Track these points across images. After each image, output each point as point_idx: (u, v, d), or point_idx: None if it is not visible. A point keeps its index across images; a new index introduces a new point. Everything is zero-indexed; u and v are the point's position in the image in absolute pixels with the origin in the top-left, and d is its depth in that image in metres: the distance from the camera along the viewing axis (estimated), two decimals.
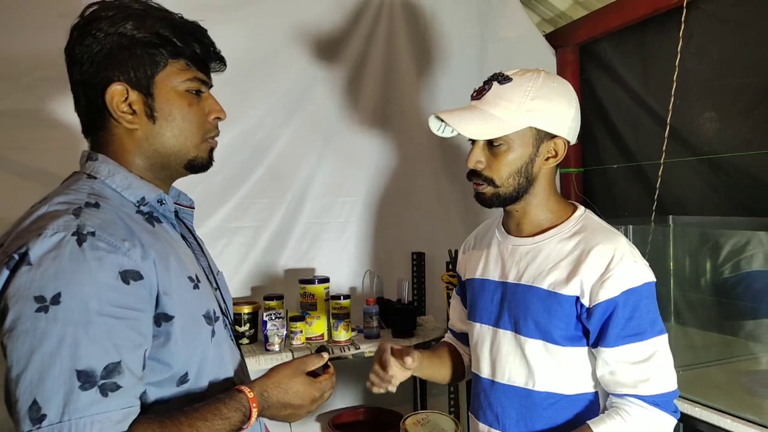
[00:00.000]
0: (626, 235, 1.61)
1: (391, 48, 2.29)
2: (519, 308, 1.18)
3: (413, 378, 2.35)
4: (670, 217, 2.02)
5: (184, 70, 0.92)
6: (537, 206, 1.20)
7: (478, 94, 1.18)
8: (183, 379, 0.88)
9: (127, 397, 0.77)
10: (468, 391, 1.41)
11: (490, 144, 1.15)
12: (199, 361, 0.90)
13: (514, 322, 1.19)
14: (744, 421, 1.33)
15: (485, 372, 1.25)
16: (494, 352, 1.23)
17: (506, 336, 1.20)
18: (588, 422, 1.11)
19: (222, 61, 0.99)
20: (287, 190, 2.21)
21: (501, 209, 1.26)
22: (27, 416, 0.72)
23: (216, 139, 1.00)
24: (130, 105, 0.89)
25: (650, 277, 1.12)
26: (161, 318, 0.84)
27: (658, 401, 1.08)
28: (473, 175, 1.18)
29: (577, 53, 2.54)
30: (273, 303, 1.99)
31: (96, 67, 0.88)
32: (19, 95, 1.78)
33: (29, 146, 1.79)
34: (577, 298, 1.11)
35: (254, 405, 0.89)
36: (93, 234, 0.78)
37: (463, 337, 1.42)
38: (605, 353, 1.10)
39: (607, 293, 1.08)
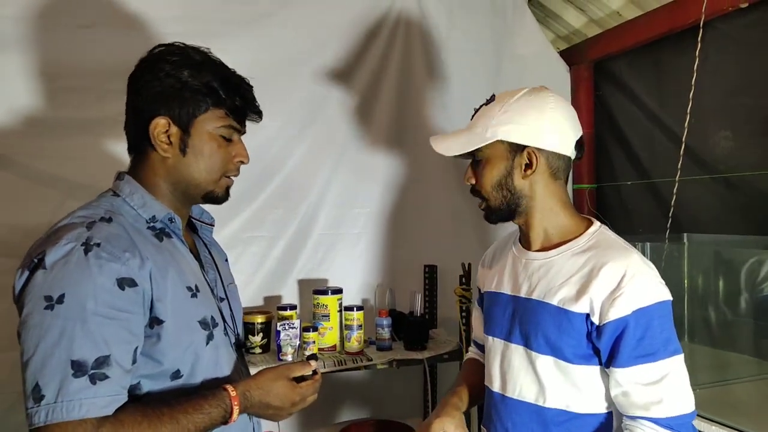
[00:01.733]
0: (643, 252, 1.61)
1: (406, 64, 2.31)
2: (530, 323, 1.18)
3: (423, 389, 2.35)
4: (685, 234, 2.02)
5: (222, 117, 1.07)
6: (541, 220, 1.21)
7: (472, 117, 1.27)
8: (176, 375, 1.01)
9: (113, 386, 0.90)
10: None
11: (476, 160, 1.23)
12: (192, 360, 1.03)
13: (524, 337, 1.19)
14: None
15: (496, 386, 1.25)
16: (505, 366, 1.23)
17: (517, 351, 1.20)
18: None
19: (259, 114, 1.15)
20: (301, 202, 2.22)
21: None
22: (30, 395, 0.87)
23: (233, 178, 1.15)
24: (168, 136, 1.04)
25: (665, 295, 1.09)
26: (153, 321, 0.97)
27: (672, 424, 1.05)
28: (472, 193, 1.27)
29: (592, 70, 2.55)
30: (287, 313, 1.99)
31: (149, 101, 1.04)
32: (38, 103, 1.80)
33: (48, 154, 1.81)
34: (587, 315, 1.10)
35: (236, 403, 0.99)
36: (98, 245, 0.92)
37: (481, 348, 1.44)
38: (617, 374, 1.08)
39: (617, 312, 1.06)
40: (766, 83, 1.85)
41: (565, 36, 2.62)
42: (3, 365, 1.68)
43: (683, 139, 1.92)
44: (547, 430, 1.16)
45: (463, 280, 2.13)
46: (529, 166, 1.18)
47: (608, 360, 1.09)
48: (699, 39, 1.87)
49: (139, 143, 1.07)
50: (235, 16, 2.02)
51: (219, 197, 1.12)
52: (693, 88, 1.88)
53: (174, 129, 1.04)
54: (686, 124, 1.90)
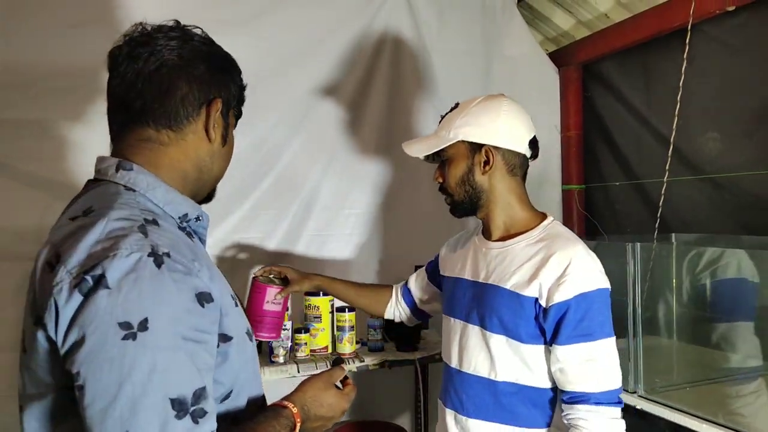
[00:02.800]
0: (632, 252, 1.64)
1: (396, 65, 2.31)
2: (485, 306, 1.31)
3: (414, 389, 2.36)
4: (673, 235, 2.04)
5: (235, 116, 1.02)
6: (499, 213, 1.36)
7: (439, 123, 1.42)
8: (226, 396, 0.87)
9: (211, 422, 0.76)
10: None
11: (442, 161, 1.38)
12: (243, 378, 0.90)
13: (480, 318, 1.32)
14: None
15: (454, 362, 1.39)
16: (462, 345, 1.36)
17: (474, 330, 1.34)
18: None
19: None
20: (292, 203, 2.22)
21: None
22: None
23: None
24: (213, 121, 0.93)
25: (604, 284, 1.23)
26: (220, 339, 0.83)
27: (603, 399, 1.18)
28: (440, 191, 1.42)
29: (580, 72, 2.57)
30: None
31: (218, 74, 0.94)
32: (26, 105, 1.78)
33: (34, 156, 1.80)
34: (536, 299, 1.23)
35: (298, 420, 0.93)
36: (168, 255, 0.76)
37: (407, 293, 1.70)
38: (557, 350, 1.21)
39: (561, 296, 1.19)
40: (752, 85, 1.88)
41: (553, 38, 2.63)
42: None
43: (671, 140, 1.94)
44: (498, 400, 1.29)
45: None
46: (487, 162, 1.32)
47: (551, 339, 1.23)
48: (687, 41, 1.89)
49: (181, 119, 0.90)
50: (228, 16, 2.01)
51: (213, 196, 1.04)
52: (681, 89, 1.90)
53: (219, 115, 0.94)
54: (674, 126, 1.92)
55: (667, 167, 1.94)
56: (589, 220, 2.56)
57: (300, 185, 2.23)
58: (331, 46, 2.22)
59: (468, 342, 1.34)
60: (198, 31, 0.95)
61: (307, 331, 2.01)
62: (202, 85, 0.91)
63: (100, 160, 0.91)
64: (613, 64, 2.43)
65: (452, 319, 1.42)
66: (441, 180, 1.40)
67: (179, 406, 0.71)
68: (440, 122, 1.41)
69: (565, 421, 1.22)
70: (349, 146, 2.29)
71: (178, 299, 0.75)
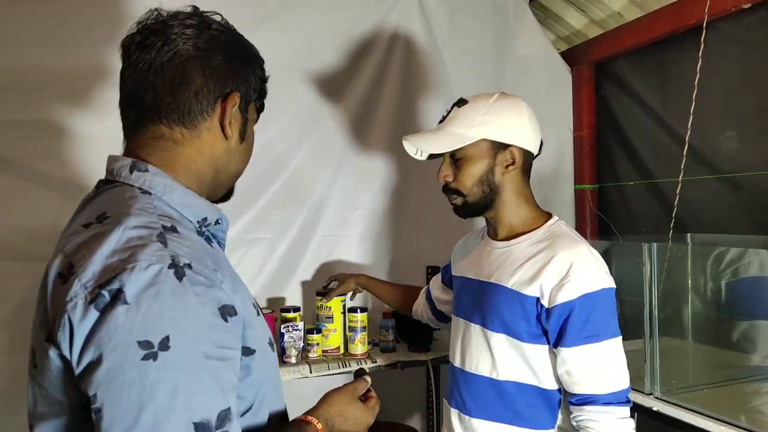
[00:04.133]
0: (648, 252, 1.62)
1: (408, 65, 2.30)
2: (486, 304, 1.30)
3: (426, 390, 2.35)
4: (689, 235, 2.02)
5: (257, 110, 0.94)
6: (508, 213, 1.33)
7: (443, 119, 1.35)
8: (246, 411, 0.82)
9: None
10: None
11: (454, 159, 1.32)
12: (265, 391, 0.85)
13: (482, 316, 1.31)
14: None
15: (457, 361, 1.39)
16: (464, 344, 1.36)
17: (475, 329, 1.33)
18: None
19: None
20: (304, 203, 2.22)
21: None
22: None
23: None
24: (230, 117, 0.87)
25: (608, 283, 1.21)
26: (243, 352, 0.77)
27: (611, 399, 1.17)
28: (445, 190, 1.36)
29: (593, 71, 2.56)
30: (290, 315, 1.99)
31: (232, 68, 0.86)
32: (41, 106, 1.79)
33: (51, 156, 1.81)
34: (538, 299, 1.21)
35: None
36: (190, 266, 0.70)
37: (429, 294, 1.72)
38: (563, 352, 1.19)
39: (564, 296, 1.17)
40: None
41: (566, 37, 2.62)
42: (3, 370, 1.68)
43: (686, 139, 1.92)
44: (501, 399, 1.28)
45: None
46: (512, 163, 1.29)
47: (556, 341, 1.21)
48: (702, 39, 1.87)
49: (194, 116, 0.84)
50: (236, 18, 1.98)
51: (231, 195, 0.98)
52: (696, 88, 1.88)
53: (237, 112, 0.87)
54: (689, 125, 1.90)
55: (682, 166, 1.92)
56: (603, 220, 2.54)
57: (311, 186, 2.22)
58: (341, 47, 2.21)
59: (470, 341, 1.34)
60: (217, 18, 0.89)
61: (319, 331, 2.01)
62: (218, 77, 0.84)
63: (113, 159, 0.85)
64: (627, 63, 2.41)
65: (457, 318, 1.42)
66: (450, 179, 1.33)
67: (203, 430, 0.66)
68: (446, 117, 1.35)
69: (574, 423, 1.21)
70: (360, 147, 2.29)
71: (201, 315, 0.69)
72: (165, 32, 0.83)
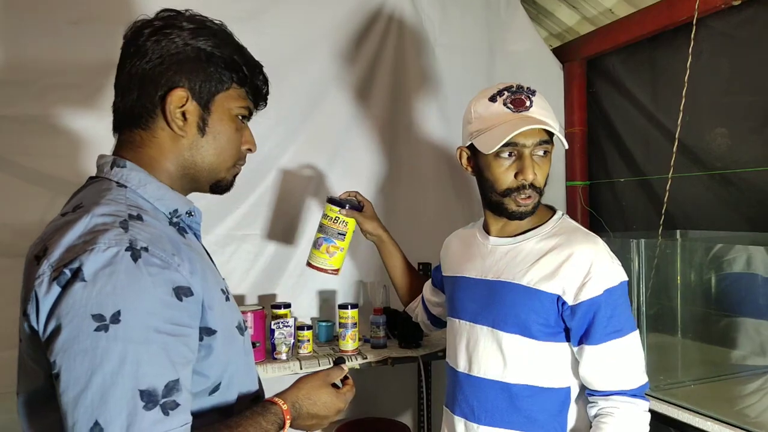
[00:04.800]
0: (636, 249, 1.63)
1: (399, 61, 2.29)
2: (497, 304, 1.25)
3: (417, 386, 2.35)
4: (678, 231, 2.03)
5: (243, 98, 0.96)
6: None
7: (519, 106, 1.20)
8: (214, 389, 0.89)
9: (184, 414, 0.77)
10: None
11: (535, 154, 1.23)
12: (232, 371, 0.91)
13: (492, 317, 1.26)
14: None
15: (461, 366, 1.32)
16: (471, 348, 1.30)
17: (483, 331, 1.28)
18: None
19: (266, 103, 1.04)
20: (295, 200, 2.21)
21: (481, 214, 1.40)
22: None
23: (241, 168, 1.04)
24: (183, 113, 0.90)
25: (624, 276, 1.21)
26: (203, 332, 0.84)
27: (637, 393, 1.17)
28: (523, 188, 1.23)
29: (584, 67, 2.56)
30: (281, 311, 1.98)
31: (165, 67, 0.89)
32: (28, 101, 1.77)
33: (37, 152, 1.79)
34: (559, 296, 1.18)
35: (288, 417, 0.93)
36: (146, 249, 0.77)
37: (425, 304, 1.68)
38: (589, 350, 1.17)
39: (590, 292, 1.15)
40: (760, 80, 1.86)
41: (557, 34, 2.62)
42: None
43: (677, 136, 1.92)
44: (512, 404, 1.23)
45: None
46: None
47: (581, 338, 1.18)
48: (692, 36, 1.87)
49: (144, 116, 0.90)
50: (226, 13, 1.96)
51: (227, 186, 1.01)
52: (686, 85, 1.88)
53: (192, 105, 0.90)
54: (679, 121, 1.90)
55: (672, 163, 1.92)
56: (594, 216, 2.55)
57: (302, 182, 2.22)
58: (333, 42, 2.20)
59: (477, 344, 1.28)
60: (163, 15, 0.93)
61: (309, 328, 2.00)
62: (153, 78, 0.89)
63: (100, 157, 0.93)
64: (618, 60, 2.41)
65: (458, 320, 1.36)
66: (534, 175, 1.23)
67: (148, 398, 0.73)
68: (528, 104, 1.21)
69: (595, 411, 1.19)
70: (351, 144, 2.27)
71: (153, 293, 0.76)
72: (126, 45, 0.92)
